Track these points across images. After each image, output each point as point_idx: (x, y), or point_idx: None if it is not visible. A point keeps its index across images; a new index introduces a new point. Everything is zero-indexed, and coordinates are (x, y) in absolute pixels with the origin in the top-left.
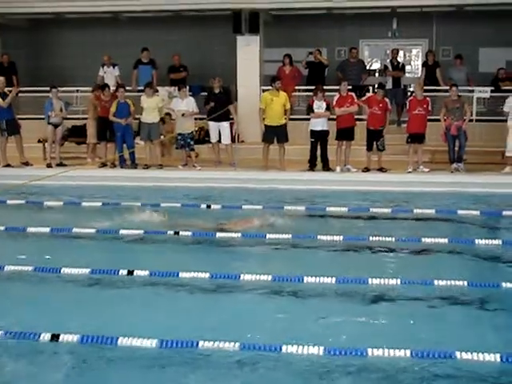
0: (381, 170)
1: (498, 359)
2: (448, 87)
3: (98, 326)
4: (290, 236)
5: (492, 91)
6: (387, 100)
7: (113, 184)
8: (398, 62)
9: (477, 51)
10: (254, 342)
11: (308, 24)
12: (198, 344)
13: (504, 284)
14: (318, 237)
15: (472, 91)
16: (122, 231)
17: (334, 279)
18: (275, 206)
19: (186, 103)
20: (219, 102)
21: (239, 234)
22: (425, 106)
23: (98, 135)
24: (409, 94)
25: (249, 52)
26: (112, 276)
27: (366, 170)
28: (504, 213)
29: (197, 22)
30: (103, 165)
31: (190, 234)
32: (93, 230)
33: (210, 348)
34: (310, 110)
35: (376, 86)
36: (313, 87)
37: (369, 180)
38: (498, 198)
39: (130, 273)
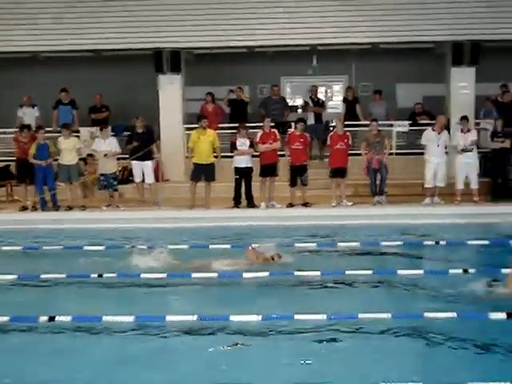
0: (305, 204)
1: None
2: (368, 122)
3: None
4: (216, 275)
5: (410, 125)
6: (307, 135)
7: (34, 227)
8: (319, 99)
9: (394, 87)
10: None
11: (229, 62)
12: None
13: (426, 314)
14: (244, 275)
15: (391, 125)
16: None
17: (259, 317)
18: (201, 245)
19: (108, 143)
20: (142, 142)
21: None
22: (345, 140)
23: (17, 177)
24: (331, 129)
25: (171, 91)
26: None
27: (291, 205)
28: (425, 243)
29: (118, 62)
30: (24, 208)
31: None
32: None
33: None
34: (233, 147)
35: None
36: (236, 124)
37: (293, 215)
38: (419, 228)
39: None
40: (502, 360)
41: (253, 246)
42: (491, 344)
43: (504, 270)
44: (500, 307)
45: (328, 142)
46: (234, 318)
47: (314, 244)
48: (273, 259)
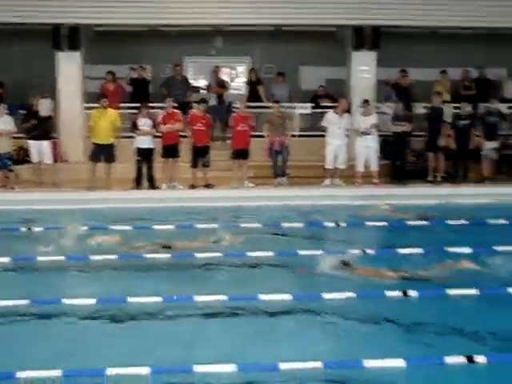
0: (207, 186)
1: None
2: (271, 104)
3: None
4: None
5: (312, 107)
6: (209, 116)
7: None
8: (222, 79)
9: (298, 69)
10: None
11: (131, 41)
12: None
13: (324, 295)
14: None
15: (294, 107)
16: None
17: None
18: (100, 227)
19: (2, 122)
20: (40, 121)
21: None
22: (248, 122)
23: None
24: (234, 110)
25: (70, 69)
26: None
27: (193, 186)
28: (326, 224)
29: (14, 37)
30: None
31: None
32: None
33: None
34: (135, 127)
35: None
36: (137, 104)
37: (195, 197)
38: (320, 210)
39: None
40: (396, 337)
41: None
42: (387, 321)
43: (400, 250)
44: (395, 287)
45: (230, 123)
46: (132, 299)
47: (216, 225)
48: None
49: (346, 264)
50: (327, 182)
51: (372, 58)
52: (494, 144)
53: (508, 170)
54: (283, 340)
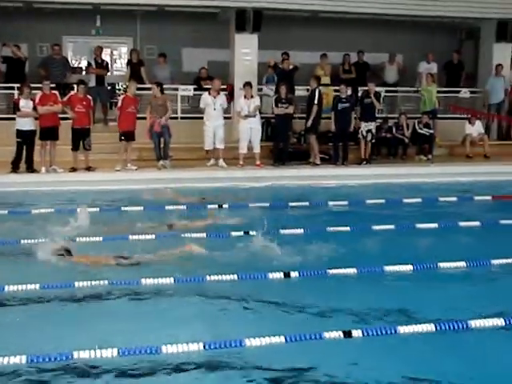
0: (88, 169)
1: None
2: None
3: None
4: None
5: (195, 89)
6: (90, 98)
7: None
8: (102, 60)
9: (180, 51)
10: None
11: (5, 18)
12: None
13: (208, 277)
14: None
15: (176, 89)
16: None
17: None
18: None
19: None
20: None
21: None
22: (136, 104)
23: None
24: (118, 92)
25: None
26: None
27: (73, 169)
28: (209, 206)
29: None
30: None
31: None
32: None
33: None
34: (16, 108)
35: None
36: (13, 84)
37: (76, 180)
38: (204, 191)
39: None
40: (277, 316)
41: None
42: (269, 302)
43: (282, 231)
44: (277, 267)
45: (119, 105)
46: None
47: (97, 209)
48: None
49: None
50: (212, 161)
51: (254, 40)
52: (370, 126)
53: (387, 152)
54: None
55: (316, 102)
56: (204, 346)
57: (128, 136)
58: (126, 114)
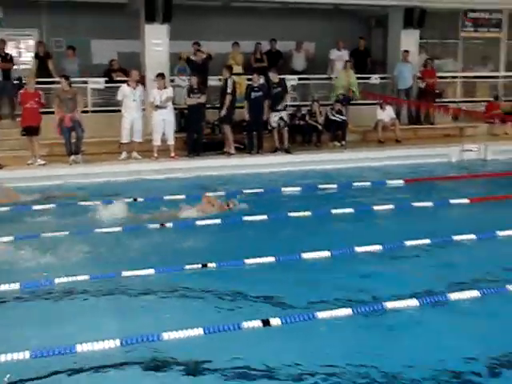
0: None
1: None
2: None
3: None
4: None
5: (106, 82)
6: None
7: None
8: (7, 53)
9: (89, 43)
10: None
11: None
12: None
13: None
14: None
15: (86, 82)
16: None
17: None
18: None
19: None
20: None
21: None
22: (37, 99)
23: None
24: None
25: None
26: None
27: None
28: (126, 200)
29: None
30: None
31: None
32: None
33: None
34: None
35: None
36: None
37: None
38: (116, 186)
39: None
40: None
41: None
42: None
43: (198, 222)
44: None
45: (18, 100)
46: None
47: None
48: (228, 206)
49: None
50: (124, 155)
51: (164, 30)
52: (281, 114)
53: (301, 139)
54: None
55: (229, 91)
56: (121, 343)
57: (30, 131)
58: (26, 109)
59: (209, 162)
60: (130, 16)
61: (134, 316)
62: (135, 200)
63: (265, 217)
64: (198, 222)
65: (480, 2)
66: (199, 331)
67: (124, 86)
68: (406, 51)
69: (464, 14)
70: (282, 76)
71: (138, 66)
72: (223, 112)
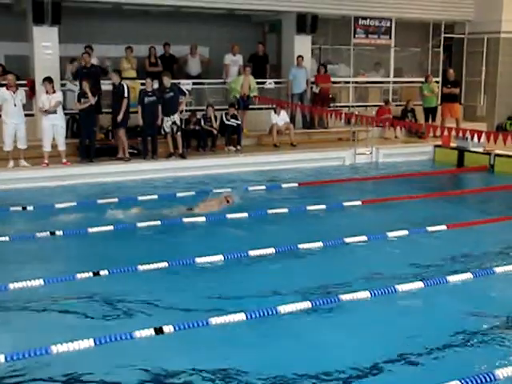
0: None
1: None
2: None
3: None
4: None
5: None
6: None
7: None
8: None
9: None
10: None
11: None
12: None
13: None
14: None
15: None
16: None
17: None
18: None
19: None
20: None
21: None
22: None
23: None
24: None
25: None
26: None
27: None
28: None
29: None
30: None
31: None
32: None
33: None
34: None
35: None
36: None
37: None
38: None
39: None
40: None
41: None
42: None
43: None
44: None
45: None
46: None
47: None
48: (227, 201)
49: None
50: (11, 164)
51: (54, 33)
52: (173, 119)
53: (197, 144)
54: None
55: (126, 95)
56: (5, 358)
57: None
58: None
59: (102, 168)
60: (17, 17)
61: (21, 329)
62: (24, 208)
63: (158, 222)
64: (90, 230)
65: (370, 9)
66: (90, 342)
67: (3, 89)
68: (300, 56)
69: (355, 21)
70: (175, 81)
71: (27, 70)
72: (120, 117)
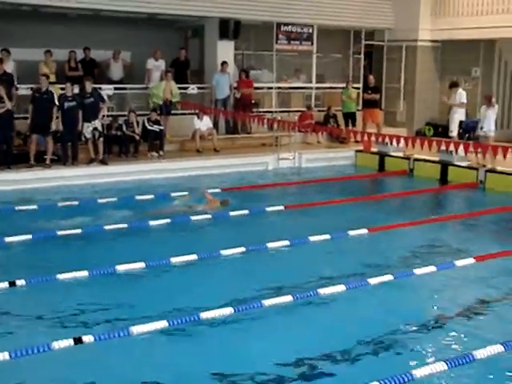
0: None
1: None
2: None
3: None
4: None
5: None
6: None
7: None
8: None
9: None
10: None
11: None
12: None
13: None
14: None
15: None
16: None
17: None
18: None
19: None
20: None
21: None
22: None
23: None
24: None
25: None
26: None
27: None
28: None
29: None
30: None
31: None
32: None
33: None
34: None
35: None
36: None
37: None
38: None
39: None
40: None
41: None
42: None
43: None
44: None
45: None
46: None
47: None
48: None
49: None
50: None
51: None
52: (94, 124)
53: (119, 150)
54: None
55: (56, 102)
56: None
57: None
58: None
59: (21, 175)
60: None
61: None
62: None
63: (79, 231)
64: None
65: (292, 16)
66: (4, 355)
67: None
68: (224, 62)
69: (278, 27)
70: (97, 85)
71: None
72: (53, 126)
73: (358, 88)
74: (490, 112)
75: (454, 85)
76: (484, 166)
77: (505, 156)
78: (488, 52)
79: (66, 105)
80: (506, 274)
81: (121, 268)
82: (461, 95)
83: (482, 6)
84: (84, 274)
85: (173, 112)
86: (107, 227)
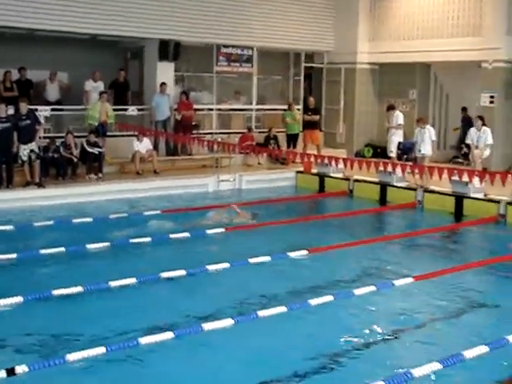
0: None
1: None
2: None
3: None
4: None
5: None
6: None
7: None
8: None
9: None
10: None
11: None
12: None
13: None
14: None
15: None
16: None
17: None
18: None
19: None
20: None
21: None
22: None
23: None
24: None
25: None
26: None
27: None
28: None
29: None
30: None
31: None
32: None
33: None
34: None
35: None
36: None
37: None
38: None
39: None
40: None
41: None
42: None
43: None
44: None
45: None
46: None
47: None
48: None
49: None
50: None
51: None
52: (31, 147)
53: (56, 172)
54: None
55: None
56: None
57: None
58: None
59: None
60: None
61: None
62: None
63: (14, 255)
64: None
65: (232, 38)
66: None
67: None
68: (163, 83)
69: (218, 48)
70: (32, 107)
71: None
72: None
73: (299, 109)
74: (424, 133)
75: (391, 107)
76: (422, 186)
77: (440, 176)
78: (424, 75)
79: (0, 126)
80: (443, 292)
81: (57, 292)
82: (398, 117)
83: (417, 30)
84: (18, 299)
85: (112, 134)
86: (44, 251)
